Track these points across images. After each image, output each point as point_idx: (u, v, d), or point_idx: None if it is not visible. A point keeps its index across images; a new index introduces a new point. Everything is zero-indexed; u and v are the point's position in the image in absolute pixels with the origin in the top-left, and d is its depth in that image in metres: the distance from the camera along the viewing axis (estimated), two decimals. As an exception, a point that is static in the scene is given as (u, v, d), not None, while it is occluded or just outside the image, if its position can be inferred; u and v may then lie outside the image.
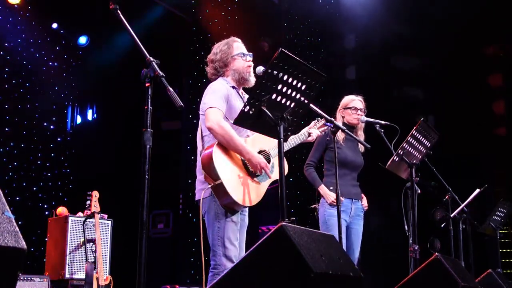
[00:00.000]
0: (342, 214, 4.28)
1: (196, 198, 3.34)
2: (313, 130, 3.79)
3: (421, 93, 7.92)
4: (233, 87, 3.46)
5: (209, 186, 3.19)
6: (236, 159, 3.28)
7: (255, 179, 3.33)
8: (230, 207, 3.23)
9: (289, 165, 3.55)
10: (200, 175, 3.32)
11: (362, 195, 4.59)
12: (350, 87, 7.72)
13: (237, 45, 3.51)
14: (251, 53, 3.53)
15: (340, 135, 4.44)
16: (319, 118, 3.81)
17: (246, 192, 3.24)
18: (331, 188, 4.37)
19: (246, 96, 3.55)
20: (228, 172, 3.19)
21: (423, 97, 7.94)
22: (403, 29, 7.50)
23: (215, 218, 3.24)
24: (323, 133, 3.96)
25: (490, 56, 7.57)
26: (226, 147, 3.23)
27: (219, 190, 3.17)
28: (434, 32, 7.50)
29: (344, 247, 4.17)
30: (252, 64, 3.49)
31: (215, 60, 3.50)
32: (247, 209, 3.46)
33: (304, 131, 3.75)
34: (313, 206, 4.61)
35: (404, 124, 4.20)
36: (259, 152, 3.38)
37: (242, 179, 3.26)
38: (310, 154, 4.58)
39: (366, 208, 4.57)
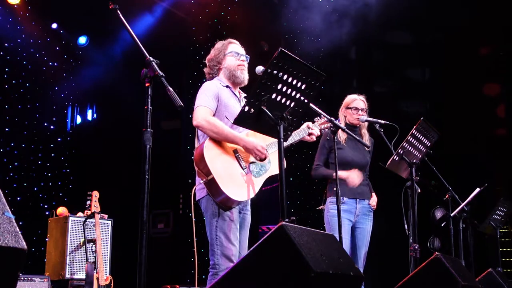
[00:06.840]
0: (346, 214, 4.29)
1: (196, 198, 3.34)
2: (314, 127, 3.66)
3: (421, 93, 7.92)
4: (227, 86, 3.48)
5: (201, 182, 3.19)
6: (228, 154, 3.25)
7: (249, 173, 3.29)
8: (225, 204, 3.21)
9: (289, 165, 3.55)
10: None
11: (373, 194, 4.59)
12: (350, 87, 7.73)
13: (233, 46, 3.58)
14: (248, 56, 3.59)
15: (342, 135, 4.44)
16: (318, 118, 3.78)
17: (239, 187, 3.20)
18: (335, 188, 4.36)
19: (244, 95, 3.56)
20: (220, 167, 3.17)
21: (423, 97, 7.94)
22: (402, 29, 7.49)
23: (213, 217, 3.24)
24: (324, 131, 3.94)
25: (488, 57, 7.56)
26: (219, 140, 3.23)
27: (212, 186, 3.15)
28: (434, 32, 7.50)
29: (346, 246, 4.16)
30: (244, 63, 3.53)
31: (210, 59, 3.59)
32: (248, 207, 3.45)
33: (304, 127, 3.61)
34: (320, 207, 4.62)
35: (403, 124, 4.20)
36: None
37: (235, 174, 3.22)
38: (316, 157, 4.57)
39: (374, 207, 4.55)
